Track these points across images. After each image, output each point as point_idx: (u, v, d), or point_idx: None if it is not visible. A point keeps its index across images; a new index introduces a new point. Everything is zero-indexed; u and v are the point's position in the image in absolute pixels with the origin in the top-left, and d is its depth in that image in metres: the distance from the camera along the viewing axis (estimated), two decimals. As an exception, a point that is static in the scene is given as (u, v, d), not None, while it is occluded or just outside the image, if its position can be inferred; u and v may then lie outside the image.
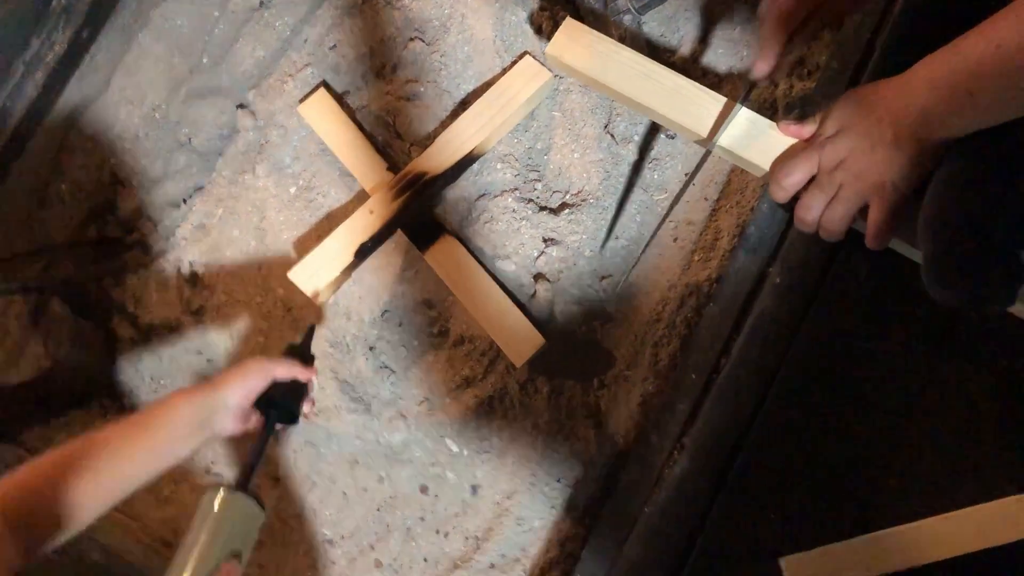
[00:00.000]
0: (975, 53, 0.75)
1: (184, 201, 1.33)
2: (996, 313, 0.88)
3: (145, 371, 1.29)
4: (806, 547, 0.89)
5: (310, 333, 1.08)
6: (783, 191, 0.93)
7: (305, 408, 1.03)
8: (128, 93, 1.37)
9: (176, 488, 1.23)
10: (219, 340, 1.27)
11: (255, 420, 1.00)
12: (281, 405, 0.99)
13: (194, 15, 1.38)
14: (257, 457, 0.95)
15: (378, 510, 1.18)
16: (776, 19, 0.92)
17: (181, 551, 0.84)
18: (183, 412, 0.91)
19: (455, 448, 1.17)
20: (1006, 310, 0.87)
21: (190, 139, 1.34)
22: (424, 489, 1.18)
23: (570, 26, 1.12)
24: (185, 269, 1.30)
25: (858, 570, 0.87)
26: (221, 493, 0.87)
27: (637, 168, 1.19)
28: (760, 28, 0.94)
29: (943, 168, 0.83)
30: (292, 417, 1.01)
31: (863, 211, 0.88)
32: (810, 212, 0.90)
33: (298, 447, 1.21)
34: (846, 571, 0.88)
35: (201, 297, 1.29)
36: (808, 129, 0.95)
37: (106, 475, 0.84)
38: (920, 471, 0.87)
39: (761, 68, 0.95)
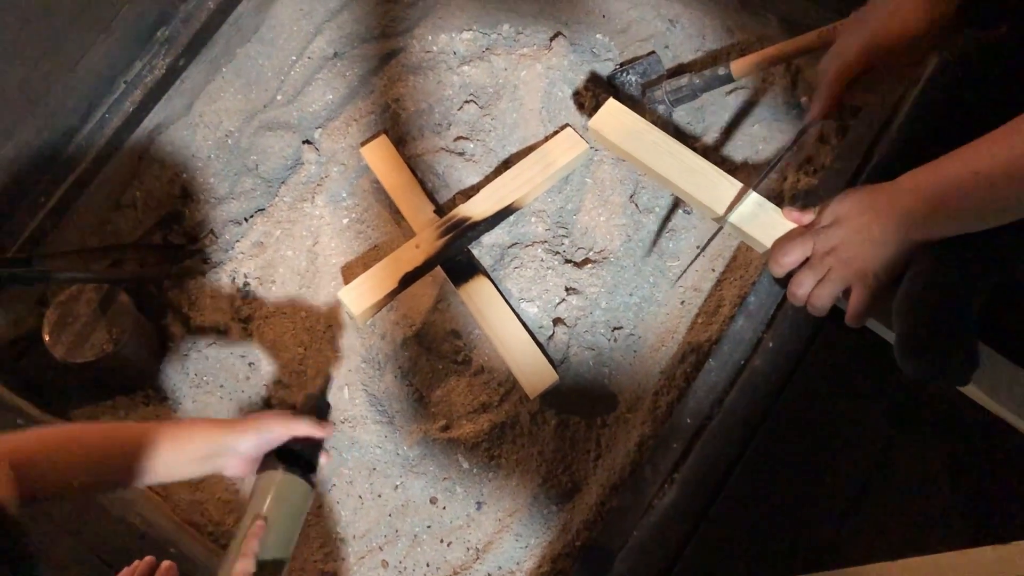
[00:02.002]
0: (954, 174, 0.88)
1: (245, 219, 1.48)
2: (954, 389, 1.01)
3: (191, 368, 1.41)
4: (774, 578, 1.01)
5: (326, 384, 1.09)
6: (780, 268, 1.07)
7: (321, 460, 1.02)
8: (206, 118, 1.52)
9: (209, 477, 1.34)
10: (263, 347, 1.40)
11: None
12: (298, 456, 0.98)
13: (274, 57, 1.55)
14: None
15: (389, 515, 1.30)
16: (835, 72, 1.05)
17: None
18: (195, 441, 0.93)
19: (466, 465, 1.29)
20: (960, 389, 1.01)
21: (257, 165, 1.50)
22: (434, 500, 1.30)
23: (612, 105, 1.28)
24: (239, 280, 1.44)
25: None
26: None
27: (655, 236, 1.34)
28: (820, 77, 1.07)
29: (916, 264, 0.97)
30: (310, 468, 0.99)
31: (847, 293, 1.02)
32: (801, 288, 1.04)
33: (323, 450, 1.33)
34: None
35: (251, 307, 1.42)
36: (808, 217, 1.10)
37: (105, 466, 0.90)
38: (881, 519, 1.00)
39: (816, 112, 1.08)
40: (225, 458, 0.94)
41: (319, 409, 1.05)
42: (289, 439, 0.97)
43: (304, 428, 0.99)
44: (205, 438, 0.94)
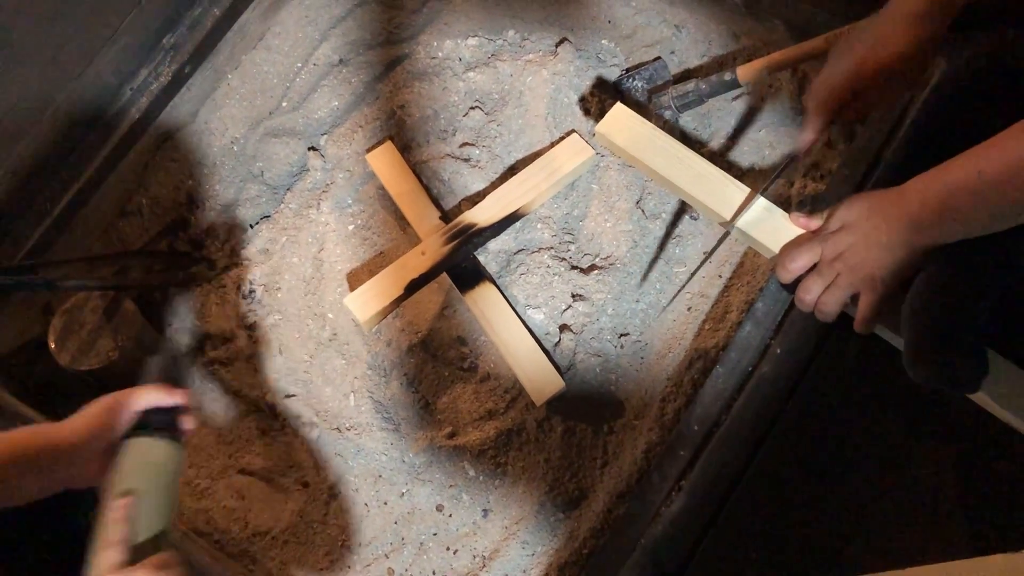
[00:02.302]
0: (960, 177, 0.88)
1: (251, 226, 1.48)
2: (963, 396, 1.01)
3: (196, 375, 1.41)
4: (782, 586, 1.01)
5: (163, 345, 0.98)
6: (788, 273, 1.07)
7: (187, 424, 0.92)
8: (212, 125, 1.52)
9: (212, 484, 1.34)
10: (268, 354, 1.40)
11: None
12: (154, 425, 0.89)
13: (280, 64, 1.55)
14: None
15: (395, 523, 1.30)
16: (822, 99, 1.05)
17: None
18: (18, 453, 0.80)
19: (472, 473, 1.29)
20: (970, 396, 1.00)
21: (263, 172, 1.50)
22: (440, 508, 1.29)
23: (619, 110, 1.28)
24: (245, 287, 1.44)
25: (825, 611, 0.99)
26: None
27: (662, 242, 1.34)
28: (807, 104, 1.07)
29: (926, 269, 0.97)
30: (172, 432, 0.90)
31: (855, 298, 1.01)
32: (809, 294, 1.04)
33: (328, 457, 1.33)
34: (815, 612, 0.99)
35: (256, 314, 1.42)
36: (815, 222, 1.10)
37: None
38: (889, 526, 0.99)
39: (803, 140, 1.09)
40: (60, 468, 0.82)
41: (164, 372, 0.96)
42: (138, 414, 0.88)
43: (149, 398, 0.88)
44: (26, 450, 0.81)
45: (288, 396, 1.37)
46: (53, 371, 1.32)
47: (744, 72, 1.27)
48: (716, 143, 1.37)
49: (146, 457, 0.86)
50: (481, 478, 1.28)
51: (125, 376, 1.35)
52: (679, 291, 1.25)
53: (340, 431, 1.33)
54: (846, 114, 1.07)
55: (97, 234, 1.47)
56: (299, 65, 1.54)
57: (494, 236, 1.37)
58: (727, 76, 1.29)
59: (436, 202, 1.42)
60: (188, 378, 0.92)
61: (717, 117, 1.38)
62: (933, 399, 1.03)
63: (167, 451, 0.87)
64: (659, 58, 1.43)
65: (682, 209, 1.34)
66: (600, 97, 1.42)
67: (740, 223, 1.18)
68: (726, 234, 1.22)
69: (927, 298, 0.95)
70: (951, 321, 0.94)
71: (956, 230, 0.91)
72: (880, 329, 1.05)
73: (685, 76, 1.42)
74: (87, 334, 1.32)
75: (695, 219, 1.33)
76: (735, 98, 1.39)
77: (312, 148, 1.50)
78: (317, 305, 1.40)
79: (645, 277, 1.32)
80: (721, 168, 1.25)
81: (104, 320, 1.33)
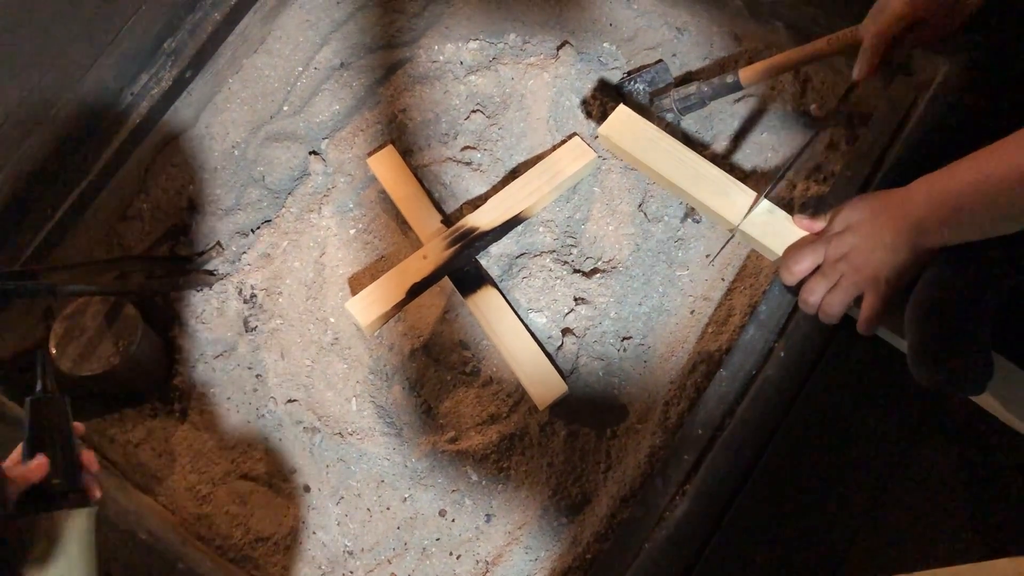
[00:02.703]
0: (966, 179, 0.88)
1: (252, 231, 1.47)
2: (967, 398, 1.00)
3: (198, 380, 1.40)
4: (788, 591, 1.00)
5: (42, 366, 0.87)
6: (791, 275, 1.06)
7: (87, 481, 0.82)
8: (213, 130, 1.52)
9: (214, 489, 1.34)
10: (269, 359, 1.40)
11: None
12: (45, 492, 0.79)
13: (280, 67, 1.55)
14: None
15: (398, 528, 1.29)
16: (879, 27, 1.06)
17: None
18: None
19: (475, 477, 1.28)
20: (974, 399, 1.00)
21: (264, 176, 1.49)
22: (443, 512, 1.28)
23: (622, 112, 1.28)
24: (246, 292, 1.43)
25: (832, 616, 0.98)
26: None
27: (664, 245, 1.33)
28: (863, 34, 1.08)
29: (930, 270, 0.96)
30: (69, 494, 0.82)
31: (858, 300, 1.01)
32: (812, 295, 1.03)
33: (331, 462, 1.33)
34: (821, 617, 0.98)
35: (258, 318, 1.42)
36: (819, 224, 1.09)
37: None
38: (895, 530, 0.99)
39: (859, 72, 1.10)
40: None
41: (39, 428, 0.84)
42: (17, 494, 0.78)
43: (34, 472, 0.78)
44: None
45: (290, 401, 1.36)
46: (55, 376, 1.31)
47: (746, 74, 1.26)
48: (718, 145, 1.37)
49: (60, 536, 0.78)
50: (484, 483, 1.28)
51: (126, 382, 1.34)
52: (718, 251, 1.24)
53: (342, 436, 1.33)
54: (900, 48, 1.07)
55: (98, 239, 1.47)
56: (300, 69, 1.54)
57: (496, 240, 1.36)
58: (729, 79, 1.28)
59: (438, 206, 1.41)
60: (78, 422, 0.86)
61: (719, 119, 1.37)
62: (938, 401, 1.02)
63: (79, 520, 0.79)
64: (661, 61, 1.42)
65: (684, 212, 1.33)
66: (602, 100, 1.42)
67: (743, 225, 1.17)
68: (731, 237, 1.21)
69: (931, 299, 0.95)
70: (955, 322, 0.93)
71: (961, 232, 0.91)
72: (883, 331, 1.05)
73: (687, 79, 1.42)
74: (88, 340, 1.31)
75: (697, 222, 1.33)
76: (737, 100, 1.38)
77: (313, 152, 1.50)
78: (319, 309, 1.40)
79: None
80: (723, 170, 1.25)
81: (105, 325, 1.32)
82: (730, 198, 1.21)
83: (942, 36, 1.08)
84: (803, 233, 1.12)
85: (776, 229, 1.16)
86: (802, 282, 1.06)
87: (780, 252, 1.12)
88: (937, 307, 0.94)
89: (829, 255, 1.02)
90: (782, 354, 1.11)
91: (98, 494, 0.86)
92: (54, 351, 1.29)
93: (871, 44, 1.08)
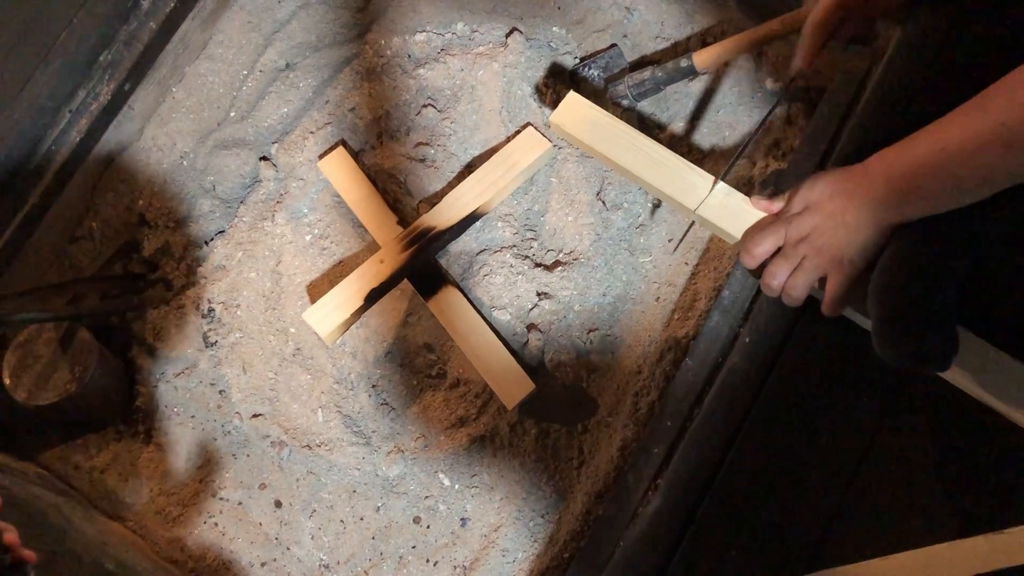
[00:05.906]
0: (923, 152, 0.86)
1: (206, 243, 1.44)
2: (936, 376, 0.98)
3: (160, 400, 1.37)
4: (765, 582, 0.98)
5: None
6: (752, 259, 1.04)
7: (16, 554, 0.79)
8: (160, 141, 1.48)
9: (184, 511, 1.31)
10: (231, 373, 1.36)
11: None
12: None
13: (224, 73, 1.50)
14: None
15: (373, 538, 1.27)
16: (813, 25, 1.04)
17: None
18: None
19: (447, 482, 1.26)
20: (942, 375, 0.98)
21: (214, 186, 1.45)
22: (417, 520, 1.26)
23: (572, 99, 1.24)
24: (204, 306, 1.40)
25: (810, 604, 0.97)
26: None
27: (625, 232, 1.30)
28: (802, 32, 1.07)
29: (891, 246, 0.94)
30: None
31: (822, 281, 0.99)
32: (775, 279, 1.01)
33: (301, 476, 1.30)
34: (800, 605, 0.97)
35: (217, 333, 1.38)
36: (777, 205, 1.07)
37: None
38: (869, 515, 0.97)
39: (797, 64, 1.08)
40: None
41: None
42: None
43: None
44: None
45: (255, 416, 1.33)
46: (10, 407, 1.28)
47: (700, 58, 1.23)
48: (675, 127, 1.34)
49: None
50: (457, 487, 1.26)
51: (85, 409, 1.31)
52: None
53: (311, 448, 1.30)
54: (845, 30, 1.06)
55: (49, 262, 1.43)
56: (245, 73, 1.50)
57: (454, 238, 1.33)
58: (684, 63, 1.25)
59: (393, 207, 1.38)
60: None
61: (675, 100, 1.34)
62: (907, 380, 1.00)
63: None
64: (614, 45, 1.39)
65: (643, 197, 1.31)
66: (554, 87, 1.38)
67: (700, 210, 1.14)
68: (691, 224, 1.19)
69: (893, 274, 0.93)
70: (918, 297, 0.91)
71: (921, 207, 0.89)
72: (849, 311, 1.03)
73: (641, 62, 1.38)
74: (43, 368, 1.28)
75: (657, 207, 1.30)
76: (691, 79, 1.35)
77: (263, 158, 1.46)
78: (278, 320, 1.37)
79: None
80: (681, 152, 1.22)
81: (59, 352, 1.29)
82: (687, 182, 1.18)
83: (876, 22, 1.07)
84: (762, 215, 1.10)
85: (734, 212, 1.13)
86: (764, 265, 1.03)
87: (739, 236, 1.10)
88: (899, 281, 0.92)
89: (790, 236, 1.00)
90: (747, 340, 1.09)
91: (33, 557, 0.82)
92: (8, 381, 1.26)
93: (808, 34, 1.06)
